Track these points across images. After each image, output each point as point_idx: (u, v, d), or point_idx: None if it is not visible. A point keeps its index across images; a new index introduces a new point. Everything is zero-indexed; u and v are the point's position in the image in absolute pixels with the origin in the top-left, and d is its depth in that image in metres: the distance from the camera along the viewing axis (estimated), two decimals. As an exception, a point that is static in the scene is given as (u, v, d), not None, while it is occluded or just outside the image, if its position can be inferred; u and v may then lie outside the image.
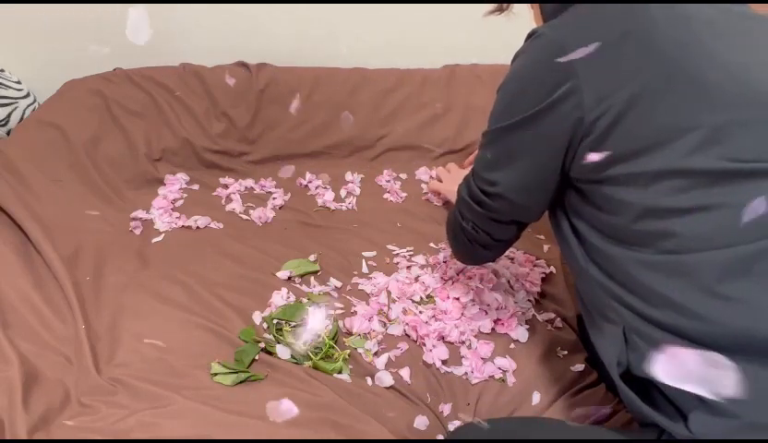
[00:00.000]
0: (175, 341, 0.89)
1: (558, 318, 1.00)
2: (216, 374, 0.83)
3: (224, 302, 0.98)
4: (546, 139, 0.67)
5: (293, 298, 1.00)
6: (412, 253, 1.14)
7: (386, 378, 0.86)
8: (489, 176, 0.75)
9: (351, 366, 0.89)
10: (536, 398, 0.87)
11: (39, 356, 0.84)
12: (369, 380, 0.87)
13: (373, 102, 1.48)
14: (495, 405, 0.87)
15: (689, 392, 0.57)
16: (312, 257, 1.11)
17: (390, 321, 0.96)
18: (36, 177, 1.14)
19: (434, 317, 0.96)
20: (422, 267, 1.09)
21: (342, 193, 1.34)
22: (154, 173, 1.31)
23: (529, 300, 1.03)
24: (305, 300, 1.00)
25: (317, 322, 0.91)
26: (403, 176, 1.42)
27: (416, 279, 1.05)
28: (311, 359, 0.88)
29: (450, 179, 1.29)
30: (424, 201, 1.34)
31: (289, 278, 1.06)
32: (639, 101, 0.60)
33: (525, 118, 0.67)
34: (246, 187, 1.34)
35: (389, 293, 1.01)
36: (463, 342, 0.93)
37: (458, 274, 1.05)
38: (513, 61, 0.71)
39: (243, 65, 1.47)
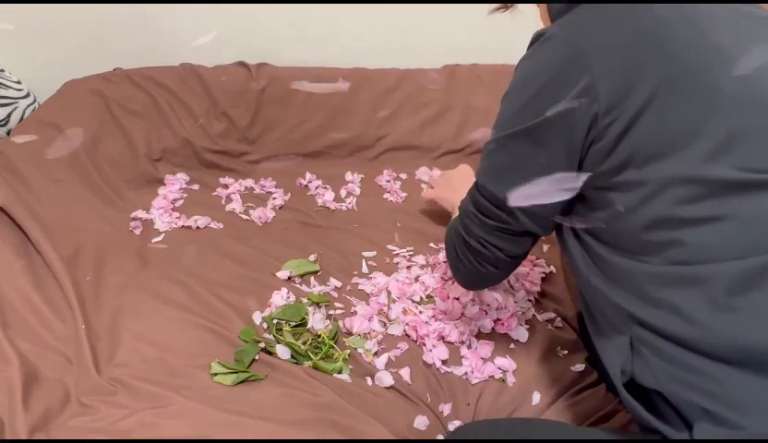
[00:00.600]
0: (175, 341, 0.89)
1: (558, 318, 1.00)
2: (216, 374, 0.83)
3: (224, 302, 0.98)
4: (561, 144, 0.63)
5: (293, 298, 1.00)
6: (412, 253, 1.14)
7: (386, 378, 0.86)
8: (496, 187, 0.69)
9: (351, 366, 0.89)
10: (536, 398, 0.87)
11: (39, 356, 0.84)
12: (369, 380, 0.87)
13: (373, 102, 1.48)
14: (495, 405, 0.87)
15: (694, 403, 0.56)
16: (312, 257, 1.11)
17: (390, 321, 0.96)
18: (36, 177, 1.14)
19: (434, 317, 0.96)
20: (422, 267, 1.09)
21: (342, 193, 1.34)
22: (154, 173, 1.32)
23: (529, 300, 1.03)
24: (305, 300, 1.00)
25: None
26: (403, 176, 1.42)
27: (416, 279, 1.05)
28: (311, 359, 0.88)
29: (442, 185, 1.20)
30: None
31: (289, 278, 1.06)
32: (650, 107, 0.58)
33: (537, 124, 0.63)
34: (246, 187, 1.34)
35: (389, 293, 1.01)
36: (463, 342, 0.93)
37: (458, 274, 1.05)
38: (519, 65, 0.68)
39: (243, 65, 1.47)
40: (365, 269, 1.09)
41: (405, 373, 0.87)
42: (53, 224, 1.07)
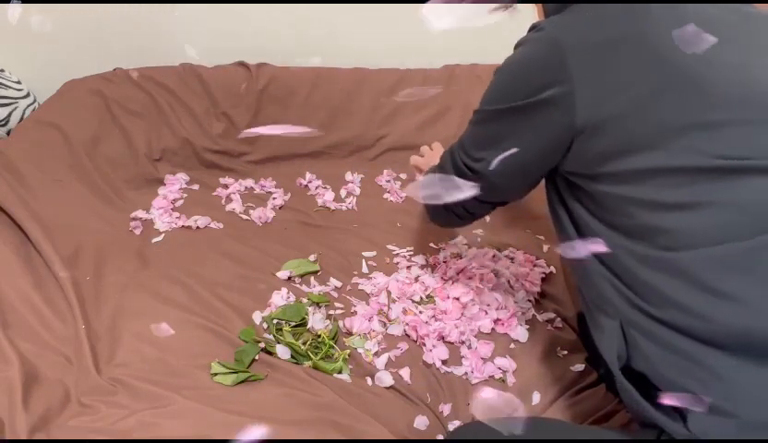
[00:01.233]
0: (175, 341, 0.89)
1: (558, 318, 1.00)
2: (216, 374, 0.83)
3: (224, 302, 0.98)
4: (533, 132, 0.68)
5: (293, 298, 1.00)
6: (412, 253, 1.14)
7: (386, 378, 0.86)
8: (475, 153, 0.76)
9: (351, 366, 0.89)
10: (536, 398, 0.87)
11: (39, 356, 0.84)
12: (369, 380, 0.87)
13: (373, 102, 1.48)
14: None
15: (686, 389, 0.57)
16: (312, 257, 1.11)
17: (390, 321, 0.96)
18: (36, 177, 1.14)
19: (434, 317, 0.96)
20: (422, 267, 1.09)
21: (342, 193, 1.34)
22: (154, 173, 1.32)
23: (529, 300, 1.02)
24: (305, 300, 1.00)
25: None
26: (403, 176, 1.42)
27: (416, 279, 1.05)
28: (311, 359, 0.88)
29: (432, 155, 1.22)
30: (424, 201, 1.34)
31: (289, 278, 1.06)
32: (634, 102, 0.61)
33: (515, 107, 0.68)
34: (246, 187, 1.34)
35: (389, 293, 1.01)
36: (463, 342, 0.93)
37: (458, 274, 1.05)
38: (515, 48, 0.72)
39: (243, 65, 1.47)
40: (365, 269, 1.09)
41: (405, 373, 0.87)
42: (52, 224, 1.07)
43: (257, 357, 0.87)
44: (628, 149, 0.61)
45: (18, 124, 1.30)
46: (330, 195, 1.32)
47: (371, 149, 1.47)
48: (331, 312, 0.98)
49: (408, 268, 1.09)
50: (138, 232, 1.16)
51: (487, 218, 1.24)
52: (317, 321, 0.94)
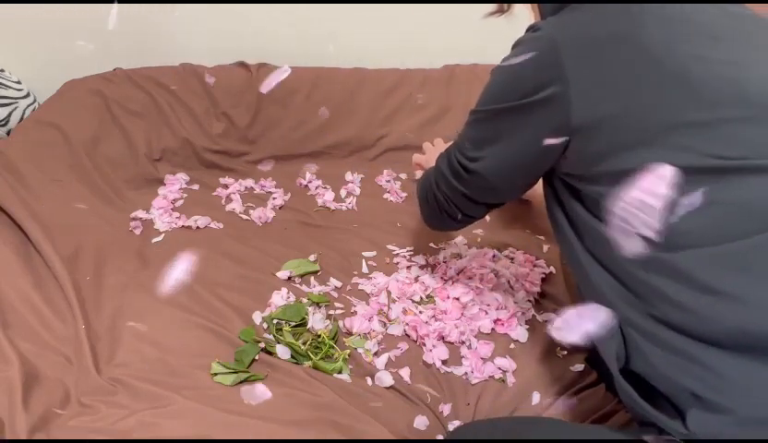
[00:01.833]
0: (175, 341, 0.89)
1: (558, 318, 1.00)
2: (216, 374, 0.83)
3: (224, 302, 0.98)
4: (529, 132, 0.69)
5: (293, 298, 1.00)
6: (412, 253, 1.14)
7: (386, 378, 0.86)
8: (471, 153, 0.77)
9: (351, 366, 0.89)
10: (536, 398, 0.87)
11: (39, 356, 0.84)
12: (369, 380, 0.87)
13: (373, 102, 1.48)
14: (495, 405, 0.87)
15: (685, 389, 0.57)
16: (312, 257, 1.11)
17: (390, 321, 0.96)
18: (36, 177, 1.14)
19: (434, 317, 0.96)
20: (422, 267, 1.09)
21: (342, 193, 1.34)
22: (154, 173, 1.32)
23: (529, 300, 1.02)
24: (305, 300, 1.00)
25: None
26: (403, 176, 1.42)
27: (416, 279, 1.05)
28: (311, 359, 0.88)
29: (434, 152, 1.21)
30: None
31: (289, 278, 1.06)
32: (628, 101, 0.61)
33: (511, 107, 0.69)
34: (246, 187, 1.34)
35: (389, 293, 1.01)
36: (463, 342, 0.93)
37: (458, 274, 1.05)
38: (512, 48, 0.73)
39: (243, 65, 1.47)
40: (365, 269, 1.09)
41: (405, 373, 0.87)
42: (52, 224, 1.07)
43: (257, 357, 0.87)
44: (623, 148, 0.62)
45: (18, 124, 1.30)
46: (330, 195, 1.32)
47: (371, 149, 1.47)
48: (331, 312, 0.98)
49: (408, 268, 1.09)
50: (138, 232, 1.16)
51: (487, 218, 1.24)
52: (317, 321, 0.94)
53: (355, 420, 0.79)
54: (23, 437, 0.70)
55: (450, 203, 0.84)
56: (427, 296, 1.01)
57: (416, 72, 1.56)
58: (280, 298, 0.99)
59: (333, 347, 0.91)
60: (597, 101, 0.62)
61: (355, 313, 0.97)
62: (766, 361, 0.54)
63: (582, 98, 0.63)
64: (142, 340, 0.89)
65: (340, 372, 0.87)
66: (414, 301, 1.00)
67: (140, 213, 1.20)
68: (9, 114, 1.32)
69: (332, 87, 1.48)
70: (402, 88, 1.51)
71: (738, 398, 0.54)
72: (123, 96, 1.35)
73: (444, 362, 0.90)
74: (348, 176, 1.40)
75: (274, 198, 1.30)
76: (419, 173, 1.28)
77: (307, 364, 0.88)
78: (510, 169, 0.74)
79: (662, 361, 0.59)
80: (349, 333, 0.94)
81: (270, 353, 0.89)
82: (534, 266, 1.12)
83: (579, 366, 0.91)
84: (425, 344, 0.92)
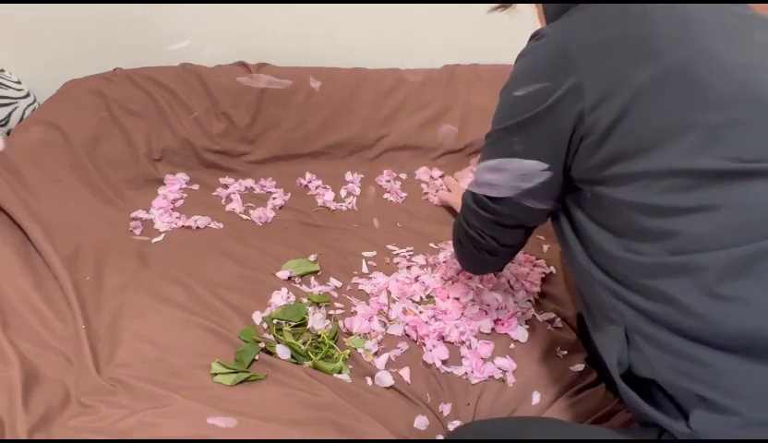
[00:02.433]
0: (175, 341, 0.89)
1: (558, 318, 1.00)
2: (216, 374, 0.83)
3: (224, 302, 0.98)
4: (549, 139, 0.67)
5: (293, 298, 1.00)
6: (412, 253, 1.14)
7: (386, 378, 0.86)
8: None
9: (351, 366, 0.89)
10: (536, 398, 0.87)
11: (39, 356, 0.84)
12: (369, 380, 0.87)
13: (373, 102, 1.48)
14: (495, 405, 0.87)
15: (689, 391, 0.57)
16: (312, 257, 1.11)
17: (390, 321, 0.96)
18: (36, 177, 1.14)
19: (434, 317, 0.96)
20: (422, 267, 1.09)
21: (342, 193, 1.34)
22: (154, 173, 1.31)
23: (529, 300, 1.03)
24: (305, 300, 1.00)
25: None
26: (403, 176, 1.42)
27: (416, 279, 1.05)
28: (311, 359, 0.88)
29: (459, 190, 1.24)
30: (424, 201, 1.34)
31: (289, 278, 1.06)
32: (638, 102, 0.60)
33: (528, 119, 0.67)
34: (246, 187, 1.34)
35: (389, 293, 1.01)
36: (463, 342, 0.93)
37: (458, 274, 1.05)
38: (516, 61, 0.71)
39: (243, 65, 1.47)
40: (365, 269, 1.09)
41: (405, 373, 0.87)
42: (52, 224, 1.07)
43: (257, 357, 0.87)
44: (631, 151, 0.61)
45: (18, 124, 1.30)
46: (330, 195, 1.32)
47: (371, 149, 1.47)
48: (331, 312, 0.98)
49: (408, 268, 1.09)
50: (138, 232, 1.16)
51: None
52: (317, 321, 0.94)
53: (355, 420, 0.79)
54: (23, 437, 0.70)
55: (485, 237, 0.79)
56: (427, 296, 1.01)
57: (416, 72, 1.56)
58: (280, 298, 0.99)
59: (333, 347, 0.91)
60: (608, 102, 0.61)
61: (355, 313, 0.97)
62: None
63: (594, 96, 0.62)
64: (142, 340, 0.89)
65: (340, 372, 0.87)
66: (413, 301, 1.00)
67: (140, 213, 1.20)
68: (9, 114, 1.32)
69: (332, 87, 1.47)
70: (402, 88, 1.51)
71: (743, 399, 0.54)
72: (123, 96, 1.35)
73: (444, 362, 0.90)
74: (348, 176, 1.40)
75: (274, 198, 1.30)
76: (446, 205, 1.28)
77: (307, 364, 0.88)
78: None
79: (667, 366, 0.59)
80: (349, 333, 0.94)
81: (270, 353, 0.89)
82: (534, 266, 1.12)
83: (579, 366, 0.91)
84: (425, 344, 0.92)
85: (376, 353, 0.91)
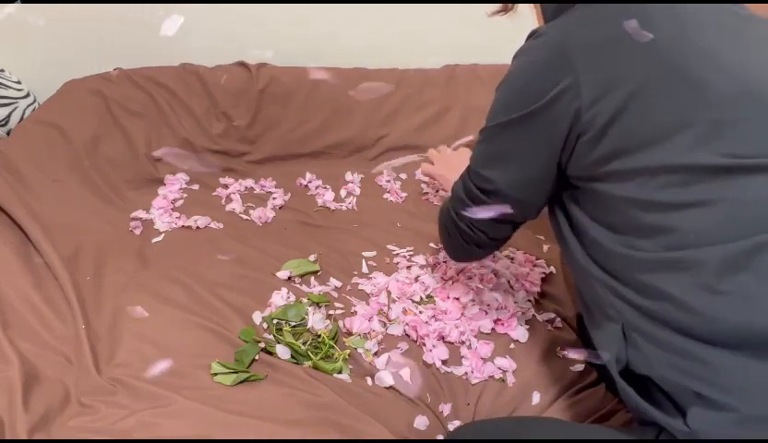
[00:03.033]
0: (175, 341, 0.89)
1: (558, 318, 1.00)
2: (216, 374, 0.83)
3: (224, 302, 0.98)
4: (544, 136, 0.68)
5: (293, 298, 1.00)
6: (412, 253, 1.14)
7: (386, 378, 0.86)
8: (486, 173, 0.74)
9: (351, 366, 0.89)
10: (536, 398, 0.87)
11: (39, 356, 0.84)
12: (369, 380, 0.87)
13: (373, 102, 1.48)
14: (495, 405, 0.87)
15: (687, 388, 0.57)
16: (312, 257, 1.11)
17: (390, 321, 0.96)
18: (36, 177, 1.14)
19: (434, 317, 0.96)
20: (422, 267, 1.09)
21: (342, 193, 1.34)
22: (154, 173, 1.32)
23: (529, 300, 1.02)
24: (305, 300, 1.00)
25: None
26: (403, 176, 1.42)
27: (416, 279, 1.05)
28: (311, 359, 0.88)
29: (441, 162, 1.23)
30: (424, 201, 1.34)
31: (289, 278, 1.06)
32: (635, 99, 0.61)
33: (523, 115, 0.68)
34: (246, 187, 1.34)
35: (389, 293, 1.01)
36: (463, 342, 0.93)
37: (458, 274, 1.05)
38: (513, 60, 0.72)
39: (243, 65, 1.47)
40: (365, 269, 1.09)
41: (405, 373, 0.87)
42: (52, 224, 1.07)
43: (257, 357, 0.87)
44: (629, 148, 0.62)
45: (18, 124, 1.30)
46: (330, 195, 1.32)
47: (371, 149, 1.47)
48: (331, 312, 0.98)
49: (408, 268, 1.09)
50: (137, 232, 1.16)
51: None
52: (317, 321, 0.94)
53: (355, 420, 0.79)
54: (23, 437, 0.70)
55: (474, 230, 0.80)
56: (427, 296, 1.01)
57: (416, 72, 1.56)
58: (280, 298, 0.99)
59: (333, 347, 0.91)
60: (606, 99, 0.62)
61: (355, 313, 0.97)
62: None
63: (591, 94, 0.63)
64: (142, 340, 0.89)
65: (340, 372, 0.87)
66: (414, 301, 1.00)
67: (140, 213, 1.20)
68: (9, 114, 1.32)
69: (332, 87, 1.47)
70: (402, 88, 1.51)
71: (741, 396, 0.54)
72: (123, 96, 1.35)
73: (444, 362, 0.90)
74: (348, 176, 1.40)
75: (274, 198, 1.30)
76: (433, 183, 1.27)
77: (307, 364, 0.88)
78: (528, 180, 0.72)
79: (664, 362, 0.59)
80: (349, 333, 0.94)
81: (270, 353, 0.89)
82: (534, 266, 1.12)
83: (579, 366, 0.91)
84: (425, 344, 0.92)
85: (376, 353, 0.91)
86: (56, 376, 0.82)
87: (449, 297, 0.99)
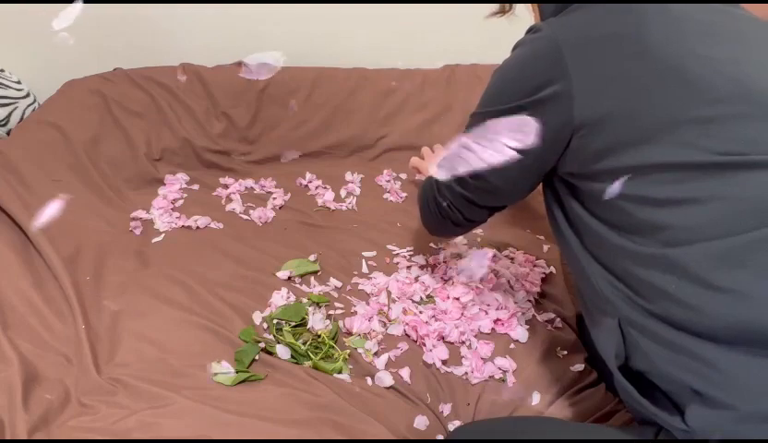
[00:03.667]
0: (175, 341, 0.89)
1: (558, 318, 1.00)
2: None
3: (224, 302, 0.98)
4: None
5: (293, 298, 1.00)
6: (412, 253, 1.14)
7: (386, 378, 0.86)
8: None
9: (351, 366, 0.89)
10: (536, 398, 0.87)
11: (39, 356, 0.84)
12: (369, 380, 0.87)
13: (373, 102, 1.48)
14: (495, 405, 0.87)
15: (685, 385, 0.57)
16: (312, 257, 1.11)
17: (390, 321, 0.96)
18: (36, 177, 1.14)
19: (434, 317, 0.96)
20: (422, 267, 1.09)
21: (342, 193, 1.34)
22: (154, 174, 1.32)
23: (529, 300, 1.02)
24: (305, 300, 1.00)
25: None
26: (403, 176, 1.42)
27: (416, 279, 1.05)
28: (311, 359, 0.88)
29: (433, 157, 1.25)
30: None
31: (289, 278, 1.06)
32: (629, 98, 0.62)
33: (514, 107, 0.69)
34: (246, 187, 1.34)
35: (389, 293, 1.01)
36: (463, 342, 0.93)
37: (458, 274, 1.05)
38: (513, 50, 0.73)
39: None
40: (365, 269, 1.09)
41: (405, 373, 0.87)
42: (52, 224, 1.06)
43: (257, 357, 0.87)
44: (624, 145, 0.62)
45: (18, 124, 1.30)
46: (330, 195, 1.32)
47: (371, 149, 1.47)
48: (331, 312, 0.98)
49: (408, 268, 1.09)
50: (137, 232, 1.16)
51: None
52: (317, 321, 0.94)
53: (355, 420, 0.79)
54: (23, 437, 0.70)
55: (453, 209, 0.83)
56: (427, 296, 1.01)
57: (416, 72, 1.56)
58: (280, 298, 0.99)
59: (333, 347, 0.91)
60: (600, 98, 0.63)
61: (355, 313, 0.97)
62: (767, 356, 0.54)
63: (584, 95, 0.63)
64: (142, 340, 0.89)
65: (340, 372, 0.87)
66: (413, 301, 1.00)
67: (140, 213, 1.20)
68: (9, 114, 1.32)
69: (332, 87, 1.47)
70: (402, 88, 1.51)
71: (738, 393, 0.54)
72: (123, 96, 1.35)
73: (444, 362, 0.90)
74: (348, 176, 1.40)
75: (274, 198, 1.30)
76: (420, 177, 1.28)
77: (307, 364, 0.88)
78: (512, 170, 0.73)
79: (662, 358, 0.59)
80: (349, 333, 0.94)
81: (270, 353, 0.89)
82: (534, 266, 1.12)
83: (579, 366, 0.91)
84: (425, 344, 0.92)
85: (376, 353, 0.91)
86: (56, 376, 0.82)
87: (449, 297, 1.00)
